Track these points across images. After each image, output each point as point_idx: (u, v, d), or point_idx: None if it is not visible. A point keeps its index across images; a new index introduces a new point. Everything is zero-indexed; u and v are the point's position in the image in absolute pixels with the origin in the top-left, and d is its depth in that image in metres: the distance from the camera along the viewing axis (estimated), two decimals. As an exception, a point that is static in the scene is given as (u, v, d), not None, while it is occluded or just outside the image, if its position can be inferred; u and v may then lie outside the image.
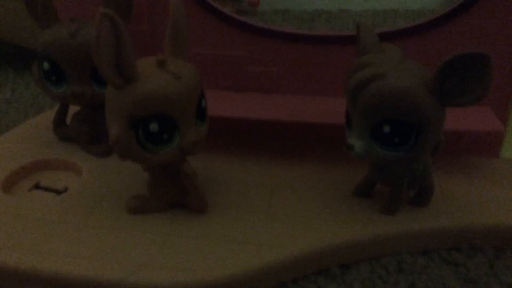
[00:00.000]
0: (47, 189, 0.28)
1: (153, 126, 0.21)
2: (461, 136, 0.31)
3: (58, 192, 0.28)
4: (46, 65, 0.28)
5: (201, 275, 0.21)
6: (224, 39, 0.31)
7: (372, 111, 0.22)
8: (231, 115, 0.29)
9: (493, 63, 0.20)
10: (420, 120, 0.21)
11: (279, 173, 0.29)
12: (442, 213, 0.26)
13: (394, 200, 0.25)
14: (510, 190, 0.28)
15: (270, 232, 0.24)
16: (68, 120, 0.32)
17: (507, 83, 0.29)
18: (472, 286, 0.23)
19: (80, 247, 0.23)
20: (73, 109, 0.32)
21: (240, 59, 0.31)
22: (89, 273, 0.21)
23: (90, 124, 0.31)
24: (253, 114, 0.29)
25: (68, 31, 0.28)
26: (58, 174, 0.30)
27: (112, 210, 0.26)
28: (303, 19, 0.71)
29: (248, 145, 0.32)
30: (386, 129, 0.22)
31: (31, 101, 0.44)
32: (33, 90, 0.46)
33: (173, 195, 0.25)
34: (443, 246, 0.25)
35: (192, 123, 0.22)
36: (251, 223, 0.25)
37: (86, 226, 0.24)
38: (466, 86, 0.21)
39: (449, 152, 0.30)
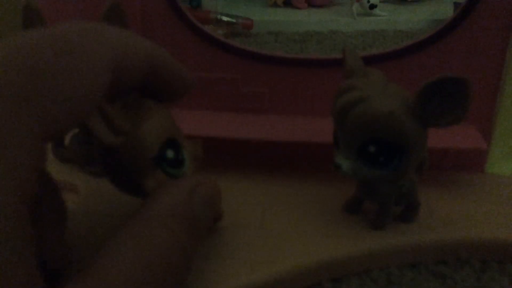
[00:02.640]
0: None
1: (170, 153, 0.22)
2: (446, 153, 0.32)
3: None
4: None
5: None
6: (215, 62, 0.32)
7: (358, 133, 0.23)
8: (222, 135, 0.30)
9: (471, 86, 0.21)
10: (403, 141, 0.22)
11: (270, 190, 0.30)
12: (429, 228, 0.26)
13: (382, 216, 0.26)
14: (495, 205, 0.28)
15: (262, 248, 0.25)
16: (67, 141, 0.33)
17: (491, 101, 0.30)
18: (459, 298, 0.24)
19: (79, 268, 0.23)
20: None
21: (231, 81, 0.32)
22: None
23: (88, 145, 0.32)
24: (244, 134, 0.30)
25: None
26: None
27: (110, 230, 0.26)
28: (295, 40, 0.72)
29: (239, 164, 0.33)
30: (371, 149, 0.23)
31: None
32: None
33: None
34: (430, 259, 0.26)
35: (182, 134, 0.23)
36: (243, 240, 0.25)
37: (85, 246, 0.25)
38: (446, 108, 0.22)
39: (435, 168, 0.31)
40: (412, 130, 0.22)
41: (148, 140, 0.21)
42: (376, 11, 0.80)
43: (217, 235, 0.26)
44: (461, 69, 0.30)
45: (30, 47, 0.16)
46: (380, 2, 0.81)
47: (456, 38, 0.29)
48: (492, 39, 0.29)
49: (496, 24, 0.28)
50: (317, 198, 0.29)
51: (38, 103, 0.15)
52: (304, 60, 0.31)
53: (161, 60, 0.21)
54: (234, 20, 0.76)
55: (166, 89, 0.22)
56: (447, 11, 0.78)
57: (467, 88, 0.21)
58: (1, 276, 0.13)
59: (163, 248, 0.18)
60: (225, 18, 0.76)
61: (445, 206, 0.28)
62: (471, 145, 0.29)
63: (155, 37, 0.32)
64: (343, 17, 0.80)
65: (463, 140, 0.29)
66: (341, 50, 0.25)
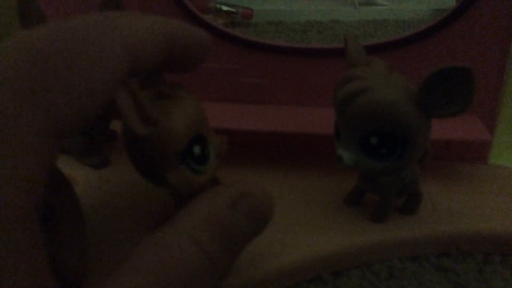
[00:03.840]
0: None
1: (197, 149, 0.21)
2: (449, 144, 0.31)
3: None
4: None
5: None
6: (216, 52, 0.32)
7: (360, 123, 0.22)
8: (223, 126, 0.29)
9: (475, 75, 0.20)
10: (406, 132, 0.22)
11: (270, 182, 0.30)
12: (431, 220, 0.26)
13: (383, 208, 0.25)
14: (498, 197, 0.28)
15: (262, 241, 0.24)
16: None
17: (494, 92, 0.30)
18: (461, 291, 0.24)
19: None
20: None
21: (232, 71, 0.32)
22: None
23: (86, 136, 0.31)
24: (245, 125, 0.30)
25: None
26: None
27: (109, 221, 0.26)
28: (295, 30, 0.72)
29: (239, 155, 0.33)
30: (373, 140, 0.22)
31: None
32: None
33: None
34: (432, 252, 0.26)
35: (214, 136, 0.23)
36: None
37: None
38: (450, 98, 0.21)
39: (437, 159, 0.31)
40: (416, 120, 0.22)
41: (177, 134, 0.20)
42: (378, 0, 0.79)
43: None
44: (464, 59, 0.29)
45: (38, 41, 0.15)
46: (381, -9, 0.80)
47: (458, 28, 0.29)
48: (495, 29, 0.28)
49: (500, 13, 0.28)
50: (317, 190, 0.29)
51: (48, 97, 0.15)
52: (305, 50, 0.31)
53: (178, 33, 0.20)
54: (234, 10, 0.75)
55: (189, 59, 0.21)
56: (449, 1, 0.77)
57: (471, 77, 0.20)
58: (7, 277, 0.13)
59: (188, 262, 0.16)
60: (224, 8, 0.75)
61: (447, 198, 0.28)
62: (474, 137, 0.29)
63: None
64: (344, 7, 0.79)
65: (466, 131, 0.29)
66: (342, 40, 0.25)
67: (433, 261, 0.25)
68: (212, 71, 0.32)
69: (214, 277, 0.17)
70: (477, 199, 0.28)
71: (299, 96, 0.32)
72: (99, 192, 0.29)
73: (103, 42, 0.16)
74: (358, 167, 0.23)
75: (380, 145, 0.22)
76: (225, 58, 0.32)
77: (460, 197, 0.28)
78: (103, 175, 0.30)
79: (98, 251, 0.24)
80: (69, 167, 0.31)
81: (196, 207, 0.18)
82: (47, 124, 0.15)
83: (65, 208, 0.20)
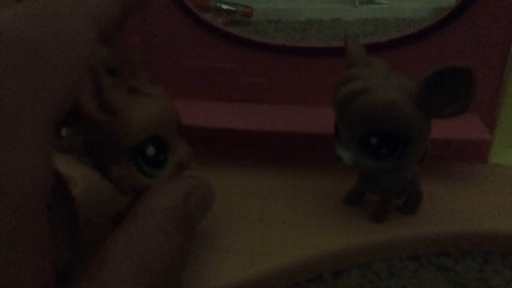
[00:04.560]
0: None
1: (150, 150, 0.21)
2: (449, 144, 0.31)
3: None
4: None
5: (194, 284, 0.22)
6: (215, 51, 0.31)
7: (359, 123, 0.22)
8: (221, 126, 0.29)
9: (475, 76, 0.20)
10: (406, 132, 0.22)
11: (270, 182, 0.30)
12: (431, 220, 0.26)
13: (383, 208, 0.25)
14: (498, 196, 0.28)
15: (262, 240, 0.24)
16: (64, 131, 0.33)
17: (494, 91, 0.30)
18: (461, 291, 0.24)
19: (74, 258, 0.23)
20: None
21: (231, 70, 0.32)
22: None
23: (86, 136, 0.31)
24: (243, 124, 0.30)
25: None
26: (54, 186, 0.30)
27: (108, 221, 0.26)
28: (295, 29, 0.72)
29: (238, 155, 0.33)
30: (373, 140, 0.22)
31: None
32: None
33: None
34: (432, 251, 0.26)
35: (178, 138, 0.22)
36: (243, 232, 0.25)
37: (81, 236, 0.25)
38: (450, 99, 0.21)
39: (437, 159, 0.31)
40: (416, 121, 0.22)
41: (131, 128, 0.20)
42: (378, -2, 0.79)
43: (216, 227, 0.25)
44: (464, 58, 0.29)
45: (22, 31, 0.15)
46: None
47: (459, 26, 0.29)
48: (495, 27, 0.28)
49: (500, 13, 0.28)
50: (317, 189, 0.29)
51: (43, 85, 0.15)
52: (305, 49, 0.31)
53: None
54: (233, 8, 0.75)
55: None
56: (449, -1, 0.77)
57: (472, 78, 0.20)
58: (13, 268, 0.13)
59: (160, 250, 0.18)
60: (224, 6, 0.75)
61: (447, 197, 0.28)
62: (474, 136, 0.28)
63: (155, 25, 0.31)
64: (344, 5, 0.79)
65: (466, 130, 0.29)
66: (342, 38, 0.25)
67: (433, 260, 0.25)
68: (212, 70, 0.32)
69: (181, 263, 0.19)
70: (477, 198, 0.28)
71: (299, 95, 0.32)
72: (98, 191, 0.28)
73: (76, 17, 0.17)
74: (358, 167, 0.23)
75: (380, 145, 0.22)
76: (224, 57, 0.32)
77: (460, 196, 0.28)
78: (101, 175, 0.30)
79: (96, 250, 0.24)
80: (68, 167, 0.31)
81: (156, 198, 0.20)
82: (44, 109, 0.15)
83: (59, 208, 0.20)
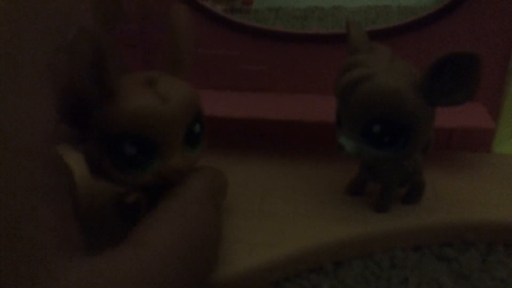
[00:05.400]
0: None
1: (130, 148, 0.20)
2: (453, 132, 0.31)
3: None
4: None
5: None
6: (215, 38, 0.31)
7: (362, 111, 0.22)
8: (222, 115, 0.29)
9: (481, 63, 0.20)
10: (409, 120, 0.21)
11: (270, 171, 0.30)
12: (433, 210, 0.26)
13: (386, 197, 0.25)
14: (502, 186, 0.28)
15: (262, 231, 0.24)
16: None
17: (499, 79, 0.29)
18: (464, 281, 0.23)
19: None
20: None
21: (231, 58, 0.31)
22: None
23: (82, 125, 0.31)
24: (244, 113, 0.29)
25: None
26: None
27: (105, 211, 0.26)
28: (296, 16, 0.71)
29: (238, 144, 0.32)
30: (376, 129, 0.22)
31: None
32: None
33: None
34: (435, 242, 0.25)
35: (178, 149, 0.21)
36: (243, 223, 0.25)
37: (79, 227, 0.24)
38: (455, 86, 0.21)
39: (440, 148, 0.31)
40: (419, 109, 0.21)
41: (115, 118, 0.19)
42: (380, -14, 0.78)
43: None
44: (468, 46, 0.29)
45: None
46: (383, -23, 0.79)
47: (462, 14, 0.28)
48: (499, 15, 0.28)
49: (505, 1, 0.27)
50: (318, 179, 0.29)
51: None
52: (306, 36, 0.30)
53: None
54: (233, -4, 0.74)
55: None
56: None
57: (477, 64, 0.20)
58: (28, 219, 0.14)
59: (197, 218, 0.20)
60: (224, -6, 0.74)
61: (450, 187, 0.28)
62: (478, 125, 0.28)
63: (154, 13, 0.31)
64: (345, -8, 0.78)
65: (470, 119, 0.28)
66: (343, 26, 0.24)
67: (435, 250, 0.25)
68: (212, 58, 0.32)
69: (218, 234, 0.22)
70: (480, 188, 0.28)
71: (300, 83, 0.32)
72: (95, 181, 0.28)
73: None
74: (360, 156, 0.23)
75: (383, 133, 0.22)
76: (224, 45, 0.31)
77: (463, 186, 0.28)
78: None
79: (93, 241, 0.24)
80: (65, 156, 0.31)
81: (190, 182, 0.21)
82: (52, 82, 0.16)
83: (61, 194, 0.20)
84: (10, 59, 0.15)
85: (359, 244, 0.24)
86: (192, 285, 0.19)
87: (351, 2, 0.76)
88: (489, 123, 0.28)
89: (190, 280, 0.18)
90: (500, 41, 0.28)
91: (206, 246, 0.20)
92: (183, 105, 0.20)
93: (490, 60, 0.29)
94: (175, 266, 0.18)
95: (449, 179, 0.28)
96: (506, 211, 0.26)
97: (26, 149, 0.14)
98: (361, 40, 0.23)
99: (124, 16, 0.29)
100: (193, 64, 0.23)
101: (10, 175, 0.14)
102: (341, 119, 0.23)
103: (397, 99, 0.21)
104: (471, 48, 0.28)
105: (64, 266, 0.14)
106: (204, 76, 0.32)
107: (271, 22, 0.69)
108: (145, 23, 0.31)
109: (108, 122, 0.19)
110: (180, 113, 0.20)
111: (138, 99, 0.20)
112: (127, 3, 0.30)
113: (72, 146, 0.31)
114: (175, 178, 0.21)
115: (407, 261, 0.24)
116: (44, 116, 0.16)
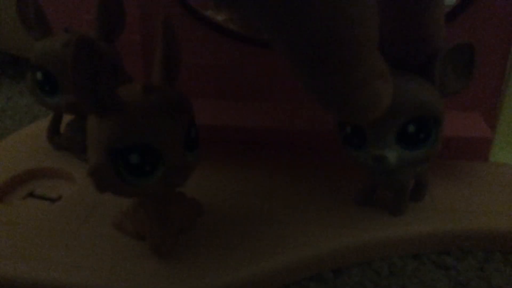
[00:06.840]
0: (40, 197, 0.28)
1: (134, 158, 0.20)
2: (450, 141, 0.31)
3: (52, 200, 0.28)
4: (39, 75, 0.29)
5: (194, 282, 0.22)
6: (215, 48, 0.31)
7: (395, 116, 0.22)
8: (222, 123, 0.29)
9: (477, 50, 0.22)
10: (437, 110, 0.22)
11: (271, 179, 0.30)
12: (431, 218, 0.26)
13: (402, 201, 0.26)
14: (499, 194, 0.28)
15: (263, 238, 0.24)
16: (62, 128, 0.33)
17: (495, 89, 0.30)
18: (462, 289, 0.23)
19: (74, 255, 0.23)
20: (67, 117, 0.32)
21: (231, 68, 0.32)
22: (84, 282, 0.22)
23: (84, 133, 0.31)
24: (244, 122, 0.29)
25: (62, 42, 0.28)
26: (52, 183, 0.30)
27: (106, 218, 0.26)
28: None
29: (240, 152, 0.33)
30: (411, 128, 0.22)
31: (25, 109, 0.44)
32: (28, 99, 0.46)
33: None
34: (433, 250, 0.25)
35: (179, 154, 0.21)
36: (244, 229, 0.25)
37: (80, 234, 0.25)
38: (456, 75, 0.22)
39: (438, 157, 0.31)
40: (439, 98, 0.22)
41: (115, 129, 0.19)
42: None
43: (218, 225, 0.25)
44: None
45: None
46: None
47: (459, 24, 0.28)
48: (496, 26, 0.28)
49: (501, 11, 0.28)
50: (316, 187, 0.29)
51: None
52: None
53: None
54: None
55: None
56: (450, -2, 0.77)
57: (474, 52, 0.22)
58: None
59: None
60: (224, 4, 0.74)
61: (448, 195, 0.28)
62: (475, 134, 0.28)
63: (155, 22, 0.31)
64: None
65: (467, 128, 0.29)
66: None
67: (434, 258, 0.25)
68: (211, 67, 0.32)
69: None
70: (478, 196, 0.28)
71: (300, 93, 0.32)
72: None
73: None
74: (401, 163, 0.23)
75: (417, 131, 0.22)
76: (224, 54, 0.31)
77: (460, 194, 0.28)
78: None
79: (95, 246, 0.24)
80: (67, 164, 0.31)
81: None
82: None
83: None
84: None
85: (358, 251, 0.24)
86: None
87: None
88: (486, 132, 0.28)
89: None
90: (496, 51, 0.29)
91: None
92: (181, 112, 0.21)
93: (486, 69, 0.29)
94: None
95: (446, 187, 0.29)
96: (503, 219, 0.26)
97: None
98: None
99: (126, 26, 0.29)
100: (183, 72, 0.23)
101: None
102: (366, 134, 0.23)
103: (423, 93, 0.22)
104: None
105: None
106: (204, 85, 0.32)
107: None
108: (146, 33, 0.32)
109: (110, 134, 0.19)
110: (179, 118, 0.21)
111: (137, 109, 0.20)
112: (129, 13, 0.30)
113: (75, 155, 0.31)
114: (180, 182, 0.21)
115: (405, 269, 0.24)
116: None
